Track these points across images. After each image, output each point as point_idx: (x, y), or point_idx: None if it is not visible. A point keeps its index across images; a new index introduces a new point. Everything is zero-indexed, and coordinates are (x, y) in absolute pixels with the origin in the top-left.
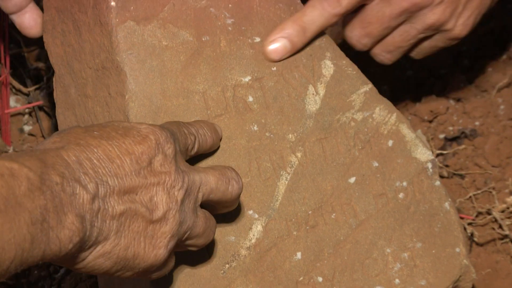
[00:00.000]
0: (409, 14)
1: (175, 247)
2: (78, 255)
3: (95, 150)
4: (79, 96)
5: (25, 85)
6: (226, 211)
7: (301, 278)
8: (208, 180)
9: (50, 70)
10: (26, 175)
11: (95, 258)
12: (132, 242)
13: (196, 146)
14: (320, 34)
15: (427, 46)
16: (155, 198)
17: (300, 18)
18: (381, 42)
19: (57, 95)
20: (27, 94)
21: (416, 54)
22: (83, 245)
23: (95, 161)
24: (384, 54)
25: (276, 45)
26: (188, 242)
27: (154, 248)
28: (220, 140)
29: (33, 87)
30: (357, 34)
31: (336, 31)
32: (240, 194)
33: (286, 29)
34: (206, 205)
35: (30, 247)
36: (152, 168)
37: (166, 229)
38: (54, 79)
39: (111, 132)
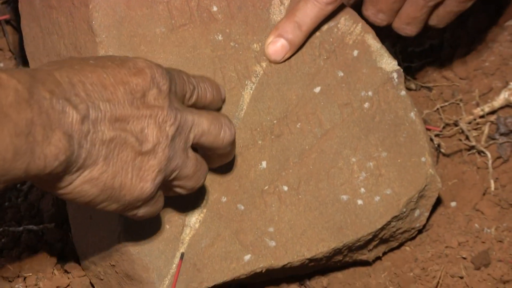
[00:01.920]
0: None
1: (162, 184)
2: (64, 177)
3: (89, 75)
4: (43, 7)
5: None
6: (221, 163)
7: (266, 187)
8: (200, 122)
9: None
10: (14, 86)
11: (82, 183)
12: (120, 171)
13: (194, 96)
14: None
15: (443, 13)
16: (146, 130)
17: (293, 14)
18: (397, 15)
19: (22, 7)
20: None
21: (437, 22)
22: (69, 166)
23: (88, 85)
24: (404, 26)
25: (275, 46)
26: (177, 182)
27: (141, 180)
28: (223, 101)
29: (0, 1)
30: (371, 12)
31: None
32: (232, 141)
33: (281, 28)
34: (201, 153)
35: (13, 158)
36: (145, 100)
37: (154, 162)
38: None
39: (107, 62)
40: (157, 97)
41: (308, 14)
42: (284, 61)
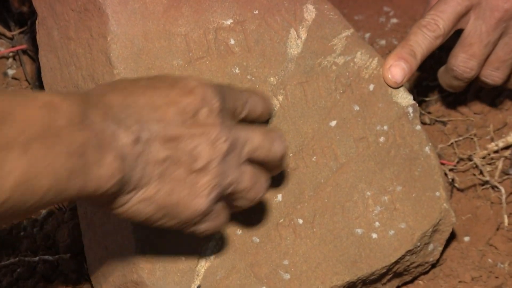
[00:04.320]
0: (504, 24)
1: (223, 199)
2: (119, 198)
3: (141, 96)
4: (61, 38)
5: (9, 29)
6: (274, 174)
7: (282, 220)
8: (253, 137)
9: (34, 14)
10: (67, 109)
11: (138, 202)
12: (174, 189)
13: (245, 111)
14: None
15: None
16: (198, 149)
17: (406, 43)
18: (486, 62)
19: (40, 37)
20: (11, 38)
21: None
22: (123, 187)
23: (140, 106)
24: (492, 72)
25: (397, 69)
26: (237, 196)
27: (196, 196)
28: (272, 113)
29: (17, 31)
30: (461, 59)
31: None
32: (284, 154)
33: (399, 54)
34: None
35: (67, 178)
36: (197, 119)
37: (207, 178)
38: (37, 22)
39: (158, 83)
40: (209, 116)
41: (420, 44)
42: (399, 86)
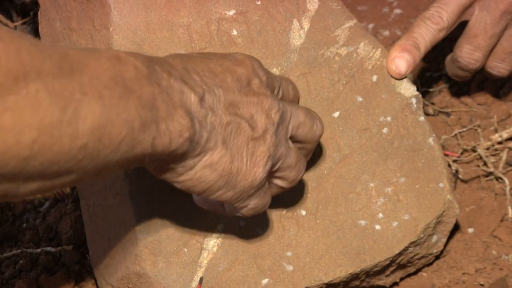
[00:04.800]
0: (509, 16)
1: (270, 170)
2: (186, 161)
3: (200, 63)
4: (64, 29)
5: (12, 20)
6: (307, 158)
7: (285, 211)
8: (297, 113)
9: (36, 5)
10: (133, 63)
11: (203, 168)
12: (236, 156)
13: (280, 92)
14: None
15: None
16: (255, 116)
17: (410, 35)
18: (491, 53)
19: (42, 28)
20: (14, 29)
21: None
22: (192, 148)
23: (200, 71)
24: (497, 64)
25: (401, 60)
26: (280, 174)
27: (254, 165)
28: (298, 102)
29: (20, 22)
30: (466, 51)
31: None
32: (321, 135)
33: (403, 45)
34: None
35: (141, 128)
36: (250, 88)
37: (265, 148)
38: (39, 12)
39: (210, 55)
40: (260, 86)
41: (424, 36)
42: (403, 77)
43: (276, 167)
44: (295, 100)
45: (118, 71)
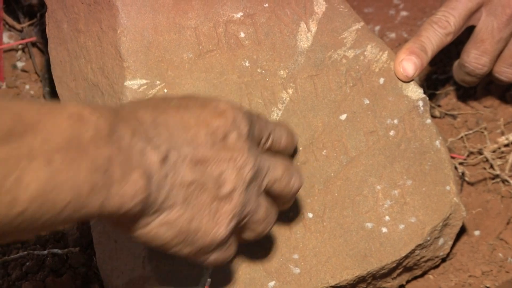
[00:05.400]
0: None
1: (235, 228)
2: (140, 220)
3: (173, 115)
4: (71, 31)
5: (19, 21)
6: (282, 209)
7: (292, 213)
8: (275, 169)
9: (43, 6)
10: (95, 122)
11: (159, 226)
12: (196, 215)
13: (269, 141)
14: None
15: None
16: (225, 174)
17: (418, 38)
18: (498, 58)
19: (50, 30)
20: (21, 30)
21: None
22: (146, 209)
23: (171, 126)
24: (505, 69)
25: (408, 63)
26: (248, 226)
27: (216, 224)
28: (295, 147)
29: (27, 23)
30: (473, 56)
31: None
32: (298, 190)
33: (410, 48)
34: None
35: (88, 194)
36: (225, 143)
37: (230, 207)
38: (46, 14)
39: (190, 102)
40: (238, 140)
41: (431, 39)
42: (410, 80)
43: (243, 222)
44: (288, 148)
45: (76, 131)
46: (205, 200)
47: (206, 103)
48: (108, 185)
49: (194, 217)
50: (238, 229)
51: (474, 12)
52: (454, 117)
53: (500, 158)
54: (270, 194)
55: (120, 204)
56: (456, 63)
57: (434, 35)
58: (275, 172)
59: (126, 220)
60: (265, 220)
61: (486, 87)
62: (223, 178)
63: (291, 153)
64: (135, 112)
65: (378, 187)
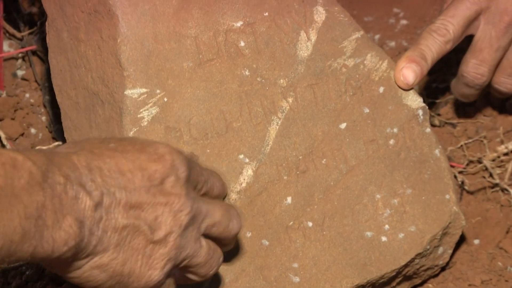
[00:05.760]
0: None
1: (171, 272)
2: (73, 263)
3: (108, 160)
4: (71, 40)
5: (19, 30)
6: (224, 250)
7: (291, 222)
8: (213, 212)
9: (43, 15)
10: (28, 168)
11: (91, 269)
12: (130, 259)
13: (204, 188)
14: None
15: None
16: (160, 219)
17: (417, 47)
18: (498, 68)
19: (50, 39)
20: (21, 39)
21: None
22: (79, 252)
23: (105, 171)
24: (505, 80)
25: (408, 70)
26: (190, 270)
27: (150, 268)
28: (225, 198)
29: (27, 32)
30: (472, 65)
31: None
32: (238, 233)
33: (410, 56)
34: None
35: (20, 240)
36: (162, 188)
37: (165, 251)
38: (46, 23)
39: (127, 146)
40: (175, 185)
41: (431, 48)
42: (410, 88)
43: (183, 265)
44: (220, 197)
45: (10, 178)
46: (139, 243)
47: (144, 146)
48: (41, 231)
49: (128, 260)
50: (179, 272)
51: (473, 20)
52: (453, 126)
53: (499, 167)
54: (209, 237)
55: (52, 249)
56: (454, 79)
57: (434, 43)
58: (213, 216)
59: (59, 263)
60: (207, 263)
61: (486, 96)
62: (158, 222)
63: (223, 199)
64: (70, 156)
65: (378, 196)
